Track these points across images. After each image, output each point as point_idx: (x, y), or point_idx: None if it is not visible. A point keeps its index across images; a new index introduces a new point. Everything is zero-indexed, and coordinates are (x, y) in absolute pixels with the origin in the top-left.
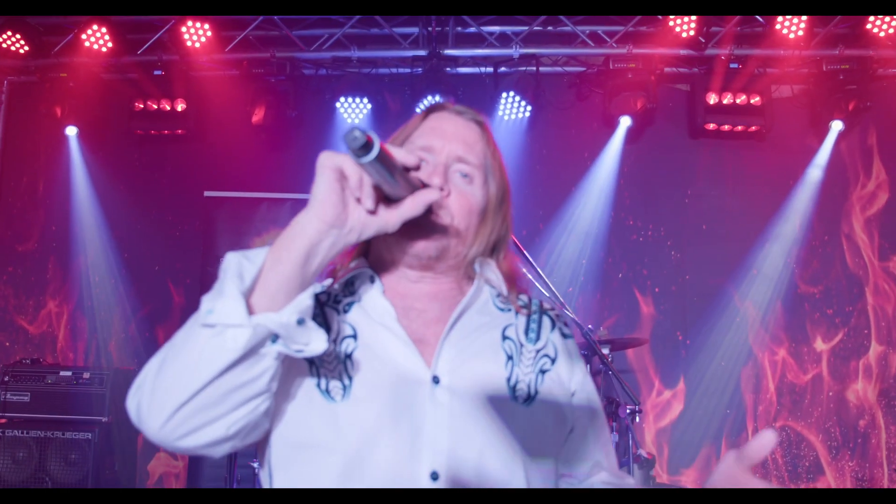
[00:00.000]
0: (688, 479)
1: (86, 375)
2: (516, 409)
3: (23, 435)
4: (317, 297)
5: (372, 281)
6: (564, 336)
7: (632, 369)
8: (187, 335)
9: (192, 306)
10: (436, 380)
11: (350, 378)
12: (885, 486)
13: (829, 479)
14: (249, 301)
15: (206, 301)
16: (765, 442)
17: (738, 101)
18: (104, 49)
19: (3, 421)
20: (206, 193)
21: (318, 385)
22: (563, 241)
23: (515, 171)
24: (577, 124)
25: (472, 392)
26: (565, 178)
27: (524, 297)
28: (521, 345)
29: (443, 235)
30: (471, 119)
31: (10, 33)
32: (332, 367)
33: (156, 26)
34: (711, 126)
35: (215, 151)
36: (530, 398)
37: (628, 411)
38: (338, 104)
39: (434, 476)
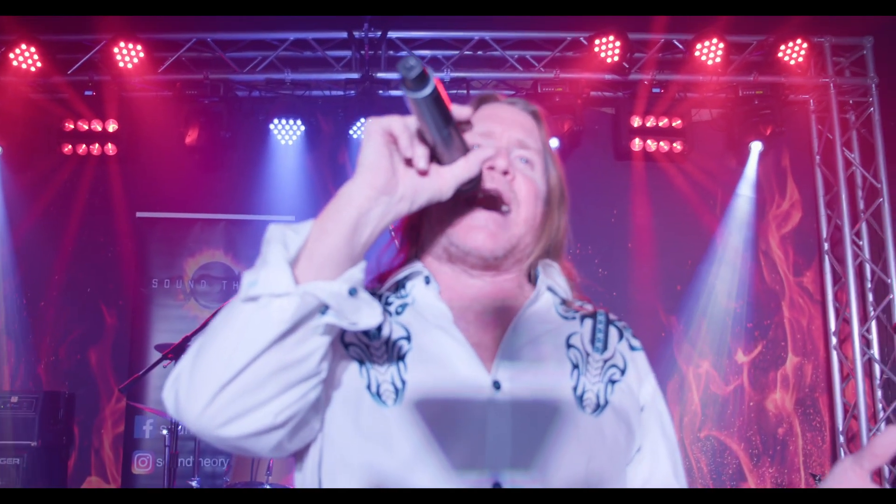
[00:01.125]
0: None
1: (14, 399)
2: (584, 418)
3: None
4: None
5: (427, 282)
6: (633, 348)
7: None
8: (228, 313)
9: (124, 328)
10: (497, 385)
11: (403, 381)
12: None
13: (751, 485)
14: (294, 272)
15: (248, 275)
16: (892, 438)
17: (660, 123)
18: (33, 69)
19: None
20: (139, 214)
21: (369, 387)
22: None
23: None
24: None
25: (535, 399)
26: None
27: (589, 306)
28: (588, 354)
29: (508, 228)
30: (525, 108)
31: None
32: (385, 369)
33: (87, 46)
34: (635, 147)
35: (148, 172)
36: (599, 408)
37: None
38: (271, 126)
39: (496, 486)
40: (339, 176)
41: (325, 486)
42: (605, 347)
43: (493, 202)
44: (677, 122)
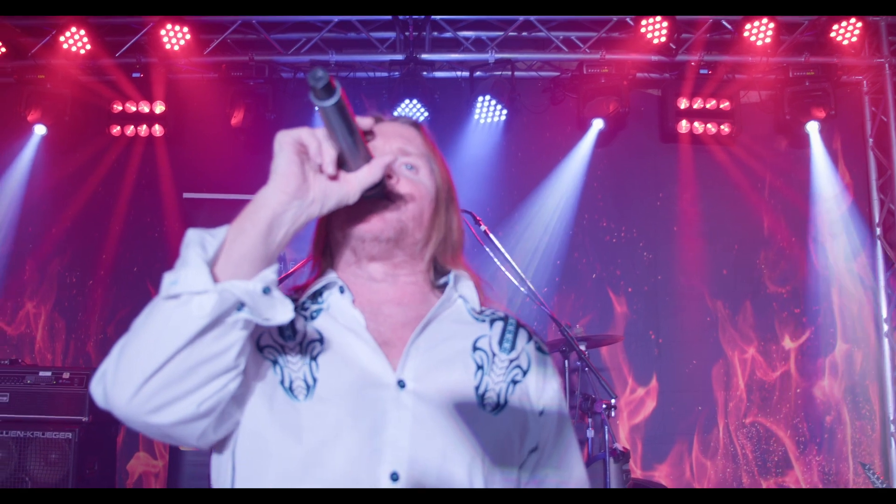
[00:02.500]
0: (661, 475)
1: (65, 375)
2: (483, 416)
3: (2, 435)
4: None
5: (342, 291)
6: (541, 350)
7: (606, 367)
8: (151, 311)
9: None
10: (401, 384)
11: (315, 378)
12: (851, 480)
13: (798, 474)
14: (213, 271)
15: (169, 275)
16: None
17: (707, 105)
18: (82, 51)
19: None
20: (185, 195)
21: (282, 382)
22: (538, 243)
23: (491, 173)
24: (551, 128)
25: (438, 397)
26: (540, 180)
27: (500, 312)
28: (494, 354)
29: (397, 213)
30: (406, 122)
31: None
32: (297, 367)
33: (134, 29)
34: (682, 130)
35: (194, 153)
36: (499, 407)
37: (604, 406)
38: (317, 108)
39: (394, 477)
40: None
41: (239, 470)
42: (512, 348)
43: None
44: (725, 104)
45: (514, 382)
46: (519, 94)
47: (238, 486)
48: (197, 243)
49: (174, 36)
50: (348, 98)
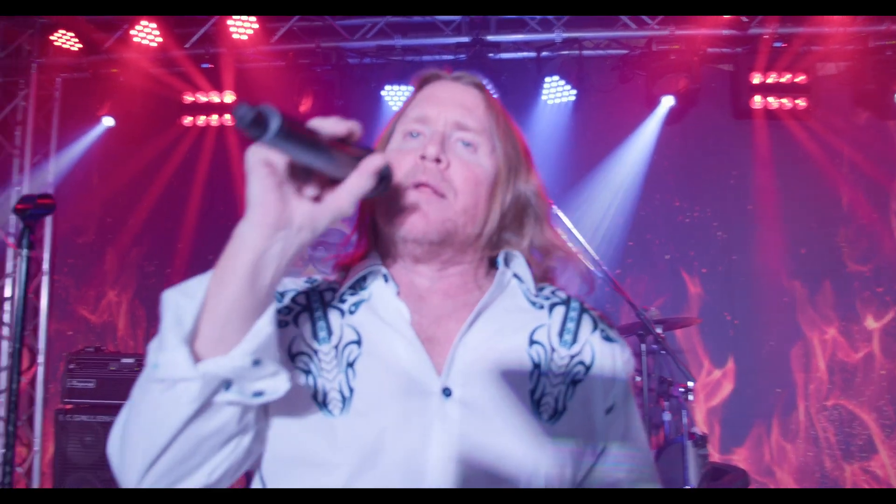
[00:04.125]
0: (739, 458)
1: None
2: (538, 426)
3: (90, 420)
4: (321, 294)
5: (386, 280)
6: (609, 339)
7: (681, 350)
8: (143, 390)
9: None
10: (447, 392)
11: (351, 389)
12: None
13: (884, 458)
14: (195, 346)
15: (152, 353)
16: None
17: (782, 80)
18: (153, 44)
19: (71, 406)
20: None
21: (315, 397)
22: (609, 224)
23: (560, 154)
24: (621, 107)
25: (488, 406)
26: (610, 160)
27: (562, 294)
28: (553, 349)
29: (442, 210)
30: (469, 83)
31: (63, 32)
32: (332, 376)
33: (202, 20)
34: (755, 105)
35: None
36: (557, 414)
37: (681, 390)
38: (383, 92)
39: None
40: None
41: (269, 484)
42: (574, 341)
43: (429, 186)
44: (801, 78)
45: (575, 383)
46: (587, 74)
47: None
48: (172, 317)
49: (241, 26)
50: (293, 117)
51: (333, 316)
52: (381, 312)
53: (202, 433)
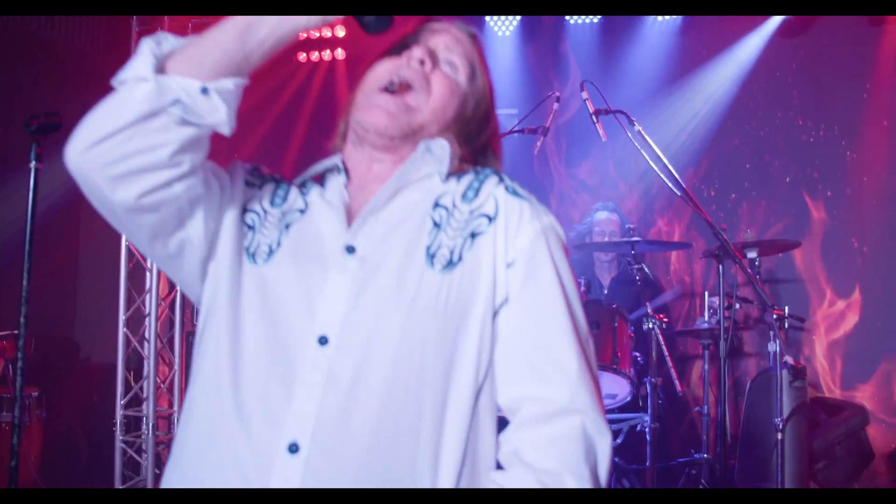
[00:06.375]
0: (864, 395)
1: None
2: (431, 276)
3: None
4: (283, 175)
5: (338, 172)
6: (514, 193)
7: (800, 278)
8: (109, 95)
9: None
10: (350, 249)
11: (280, 244)
12: None
13: None
14: (167, 63)
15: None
16: None
17: None
18: None
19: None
20: None
21: (248, 248)
22: (725, 146)
23: (669, 73)
24: (738, 21)
25: (384, 261)
26: (724, 79)
27: (482, 169)
28: (455, 207)
29: (409, 110)
30: (462, 29)
31: None
32: (269, 233)
33: None
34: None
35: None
36: (451, 264)
37: (775, 317)
38: (487, 19)
39: (322, 340)
40: (562, 65)
41: (201, 348)
42: (475, 196)
43: (402, 90)
44: None
45: (475, 235)
46: None
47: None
48: (153, 40)
49: None
50: None
51: (293, 191)
52: (327, 195)
53: (143, 143)
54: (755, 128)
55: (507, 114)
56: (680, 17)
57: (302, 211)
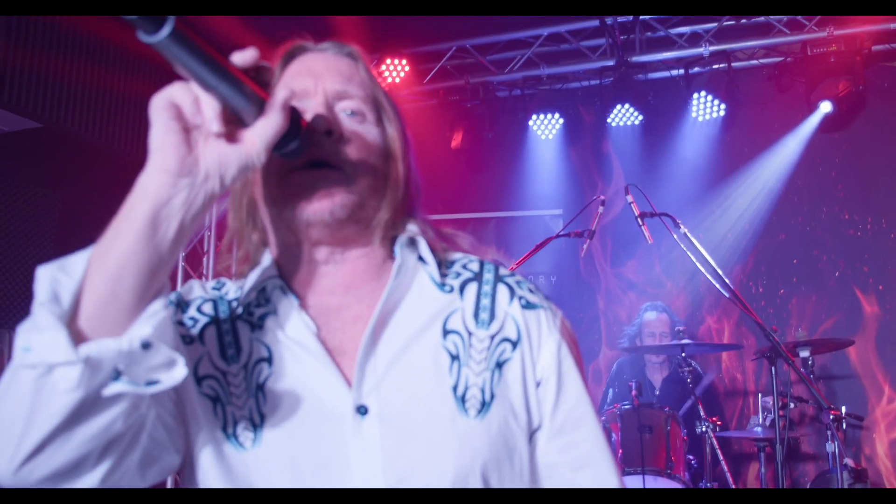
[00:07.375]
0: None
1: None
2: (467, 426)
3: None
4: (229, 304)
5: (284, 292)
6: (529, 306)
7: (856, 374)
8: (11, 377)
9: None
10: (361, 410)
11: (262, 416)
12: None
13: None
14: (75, 324)
15: (22, 334)
16: None
17: None
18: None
19: None
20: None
21: (225, 429)
22: (771, 243)
23: (712, 171)
24: (779, 118)
25: (409, 416)
26: (769, 176)
27: (473, 265)
28: (470, 334)
29: (346, 184)
30: (339, 52)
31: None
32: (242, 402)
33: None
34: None
35: (420, 177)
36: (485, 406)
37: (832, 417)
38: (530, 122)
39: None
40: (605, 166)
41: None
42: (491, 317)
43: (324, 163)
44: None
45: (501, 365)
46: (738, 86)
47: None
48: (46, 294)
49: (394, 69)
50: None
51: (242, 330)
52: (286, 328)
53: (87, 431)
54: (801, 223)
55: (552, 215)
56: (721, 114)
57: (268, 361)
